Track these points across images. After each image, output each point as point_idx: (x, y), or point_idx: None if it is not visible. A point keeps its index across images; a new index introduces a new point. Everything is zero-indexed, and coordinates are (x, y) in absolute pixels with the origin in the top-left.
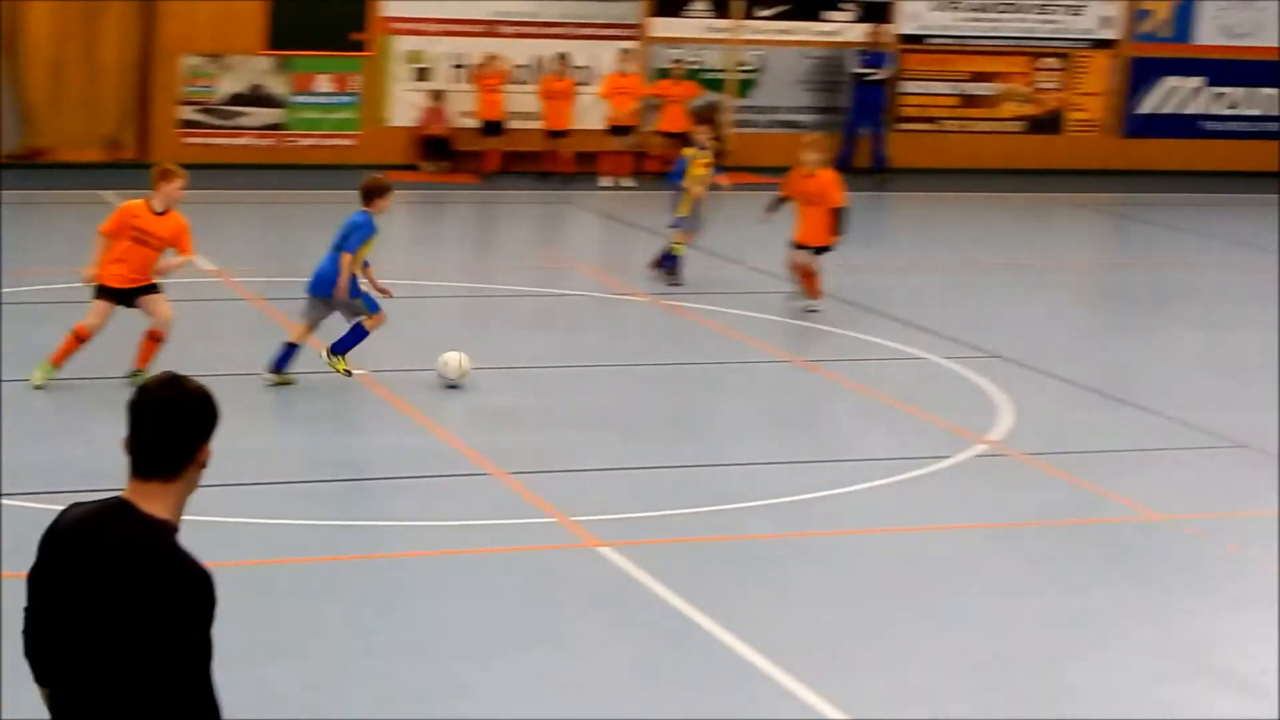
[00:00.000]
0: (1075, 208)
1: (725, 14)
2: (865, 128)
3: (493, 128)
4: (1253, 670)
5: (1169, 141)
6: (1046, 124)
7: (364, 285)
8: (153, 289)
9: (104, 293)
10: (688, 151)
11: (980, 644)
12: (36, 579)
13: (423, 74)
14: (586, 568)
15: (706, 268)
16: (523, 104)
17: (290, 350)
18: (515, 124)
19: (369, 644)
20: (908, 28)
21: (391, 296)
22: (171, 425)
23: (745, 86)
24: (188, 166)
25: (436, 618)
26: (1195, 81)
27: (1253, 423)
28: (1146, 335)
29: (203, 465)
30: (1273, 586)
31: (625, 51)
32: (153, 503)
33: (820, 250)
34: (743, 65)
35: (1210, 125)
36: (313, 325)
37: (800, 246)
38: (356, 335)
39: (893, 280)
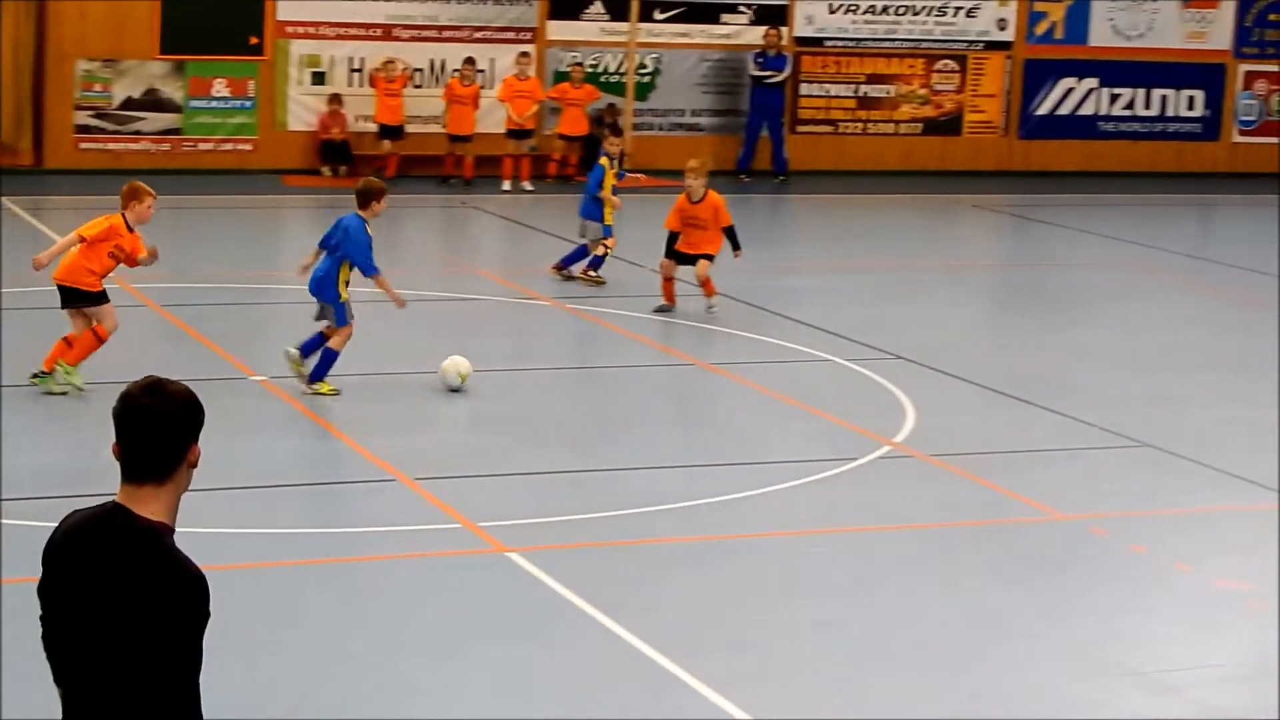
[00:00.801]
0: (973, 209)
1: (623, 17)
2: (764, 130)
3: (391, 131)
4: (1160, 668)
5: (1065, 142)
6: (944, 125)
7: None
8: (106, 298)
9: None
10: (603, 161)
11: (888, 645)
12: (43, 588)
13: (320, 78)
14: (494, 574)
15: (608, 271)
16: (422, 107)
17: (320, 340)
18: (415, 128)
19: (272, 652)
20: (805, 30)
21: (403, 306)
22: (158, 429)
23: (643, 89)
24: (83, 173)
25: (342, 625)
26: (1090, 83)
27: (1154, 420)
28: (1047, 335)
29: (193, 465)
30: (1177, 585)
31: (523, 55)
32: (146, 506)
33: (710, 257)
34: (641, 68)
35: (1105, 126)
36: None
37: (689, 258)
38: (326, 358)
39: (794, 282)
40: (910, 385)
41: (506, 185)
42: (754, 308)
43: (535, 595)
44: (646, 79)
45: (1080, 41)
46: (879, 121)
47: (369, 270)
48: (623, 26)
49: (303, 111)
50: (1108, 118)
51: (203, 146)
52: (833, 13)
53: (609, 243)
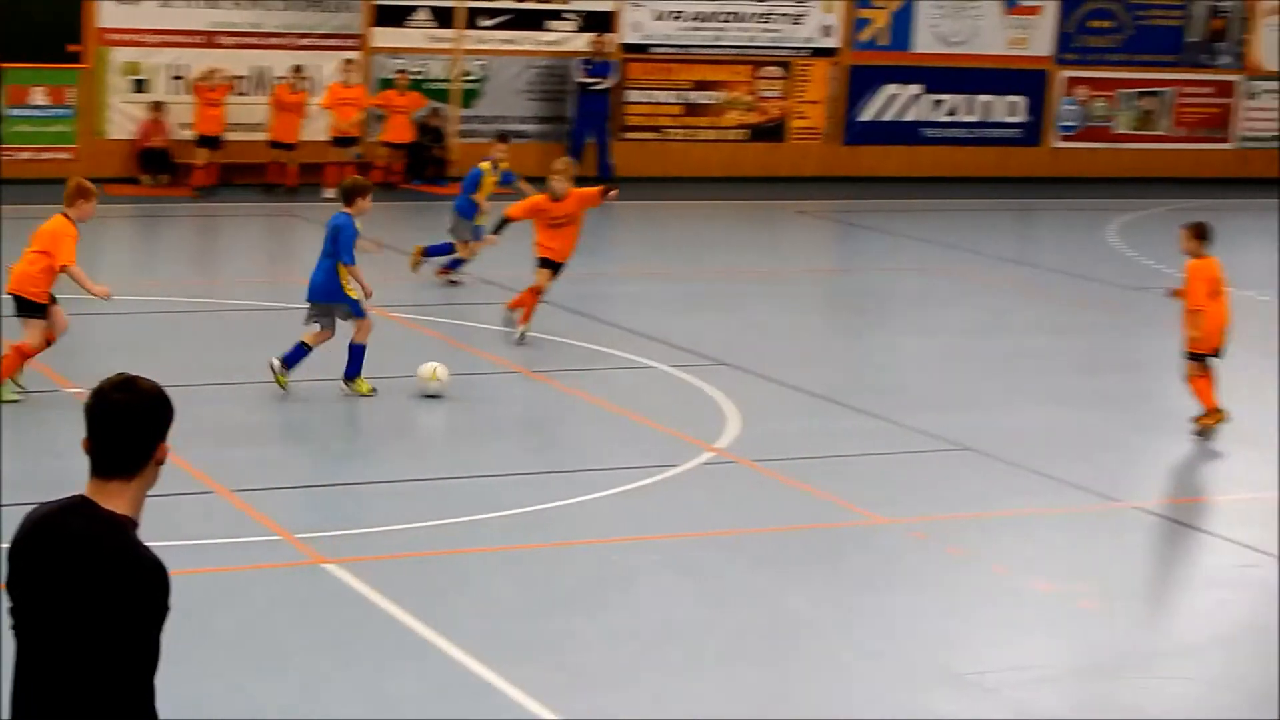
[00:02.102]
0: (798, 214)
1: (448, 24)
2: (590, 137)
3: (208, 141)
4: (977, 670)
5: (889, 148)
6: (769, 132)
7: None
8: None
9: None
10: (484, 166)
11: (709, 650)
12: (10, 582)
13: (141, 85)
14: (311, 585)
15: (430, 280)
16: (245, 115)
17: (302, 351)
18: (239, 135)
19: None
20: (631, 37)
21: (370, 295)
22: (129, 425)
23: (469, 96)
24: None
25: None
26: (914, 89)
27: (973, 424)
28: (870, 340)
29: (160, 462)
30: (995, 587)
31: (348, 62)
32: (114, 500)
33: (557, 268)
34: (466, 75)
35: (929, 132)
36: (325, 329)
37: (553, 264)
38: (356, 356)
39: (619, 289)
40: (734, 391)
41: (330, 193)
42: (579, 315)
43: (352, 606)
44: (472, 86)
45: (904, 48)
46: (705, 128)
47: (348, 261)
48: (448, 33)
49: (123, 120)
50: (931, 123)
51: (21, 155)
52: (659, 20)
53: (475, 247)
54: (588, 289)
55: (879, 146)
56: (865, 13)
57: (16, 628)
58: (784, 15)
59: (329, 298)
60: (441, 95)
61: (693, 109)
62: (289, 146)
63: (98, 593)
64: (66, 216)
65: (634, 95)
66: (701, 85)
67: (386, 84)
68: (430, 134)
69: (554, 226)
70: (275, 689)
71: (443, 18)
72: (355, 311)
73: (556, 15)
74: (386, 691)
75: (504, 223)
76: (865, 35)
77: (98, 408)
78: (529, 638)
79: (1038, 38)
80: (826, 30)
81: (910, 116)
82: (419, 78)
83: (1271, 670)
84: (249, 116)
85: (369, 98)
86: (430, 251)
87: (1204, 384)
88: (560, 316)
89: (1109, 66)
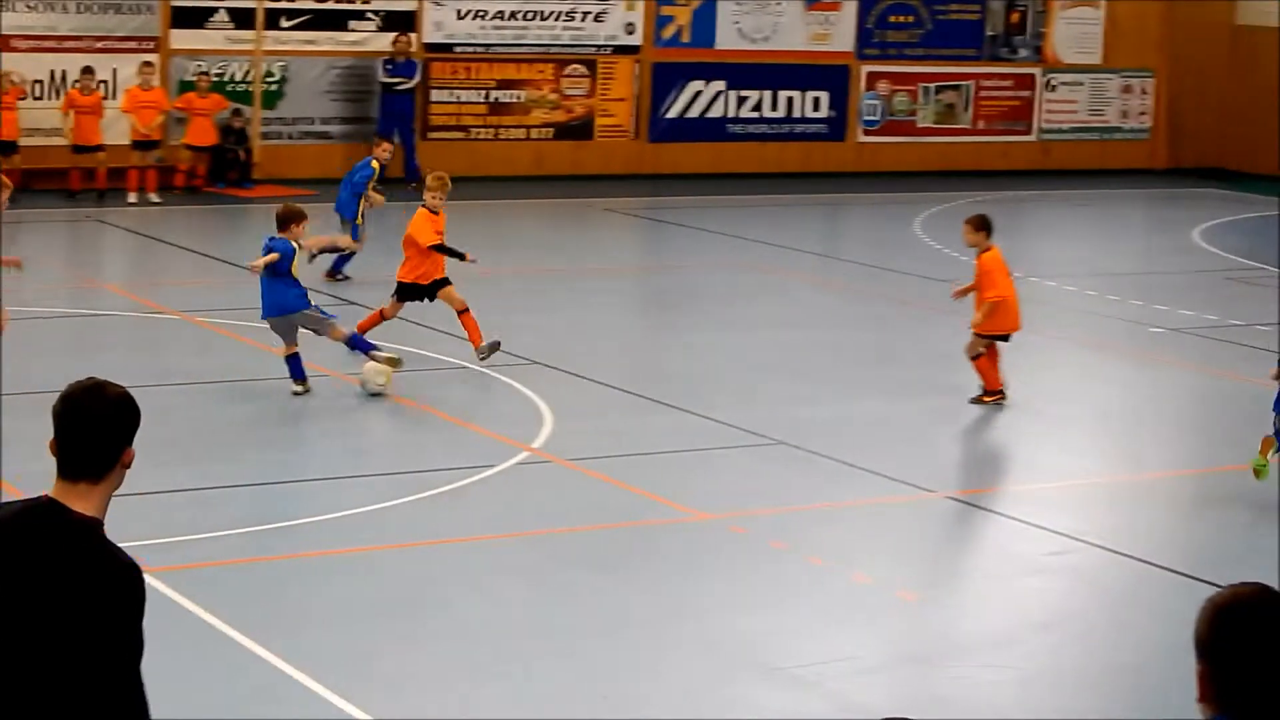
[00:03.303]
0: (605, 212)
1: (248, 25)
2: (395, 137)
3: (6, 146)
4: (798, 663)
5: (695, 145)
6: (575, 130)
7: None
8: None
9: None
10: (375, 165)
11: (530, 650)
12: None
13: None
14: None
15: (234, 284)
16: (43, 120)
17: (294, 360)
18: (37, 140)
19: None
20: (433, 36)
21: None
22: (97, 428)
23: (271, 98)
24: None
25: None
26: (718, 85)
27: (787, 418)
28: (681, 336)
29: (126, 465)
30: (814, 579)
31: (146, 65)
32: (81, 502)
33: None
34: (268, 76)
35: (734, 128)
36: (290, 343)
37: (420, 290)
38: (359, 343)
39: None
40: (547, 390)
41: (133, 198)
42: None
43: (164, 615)
44: (274, 87)
45: (707, 45)
46: (511, 127)
47: (280, 267)
48: (248, 35)
49: None
50: (736, 120)
51: None
52: (461, 19)
53: (355, 244)
54: None
55: (685, 143)
56: (667, 10)
57: None
58: (587, 13)
59: (282, 311)
60: (243, 97)
61: (498, 108)
62: (89, 149)
63: (74, 596)
64: None
65: (438, 95)
66: (506, 84)
67: (187, 86)
68: (233, 136)
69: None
70: None
71: (241, 19)
72: (321, 312)
73: (358, 15)
74: (199, 699)
75: (445, 251)
76: (668, 32)
77: (67, 411)
78: (344, 642)
79: (839, 33)
80: (629, 28)
81: (715, 113)
82: (220, 80)
83: (1087, 656)
84: (48, 121)
85: (169, 101)
86: (336, 266)
87: (989, 364)
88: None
89: (910, 61)
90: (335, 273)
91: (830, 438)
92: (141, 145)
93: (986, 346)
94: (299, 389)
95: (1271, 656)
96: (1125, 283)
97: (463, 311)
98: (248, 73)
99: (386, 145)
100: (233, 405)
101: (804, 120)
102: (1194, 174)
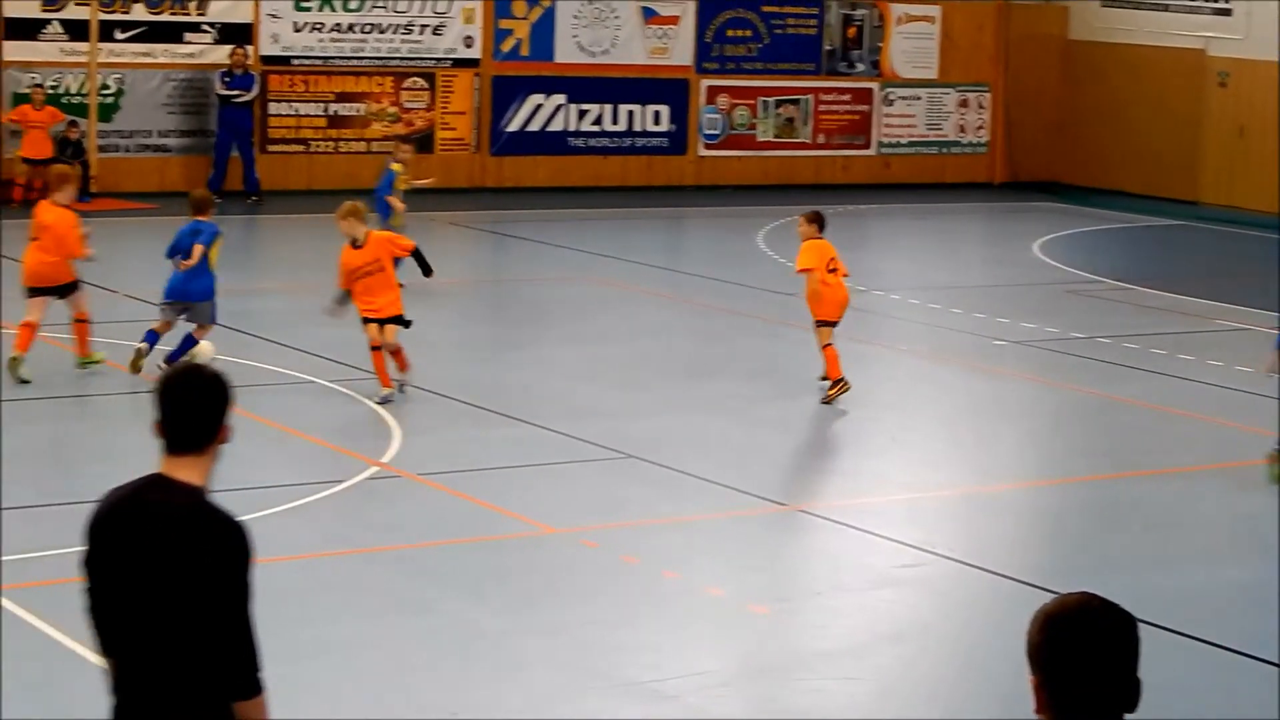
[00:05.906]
0: (449, 226)
1: (83, 37)
2: (234, 150)
3: None
4: (655, 678)
5: (537, 158)
6: (417, 143)
7: None
8: None
9: None
10: (395, 167)
11: (380, 667)
12: (89, 560)
13: None
14: None
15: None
16: None
17: (154, 338)
18: None
19: None
20: (271, 49)
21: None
22: (200, 404)
23: (107, 110)
24: None
25: None
26: (558, 99)
27: (634, 432)
28: (526, 350)
29: (224, 440)
30: (667, 593)
31: None
32: (186, 473)
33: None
34: (104, 89)
35: (575, 141)
36: (170, 324)
37: (378, 321)
38: (187, 346)
39: (271, 304)
40: (395, 405)
41: None
42: (232, 330)
43: (17, 635)
44: (110, 100)
45: (547, 58)
46: (351, 140)
47: (202, 241)
48: (83, 46)
49: None
50: (577, 133)
51: None
52: (298, 31)
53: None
54: (237, 305)
55: (527, 157)
56: (506, 23)
57: (97, 607)
58: (425, 26)
59: (190, 297)
60: (79, 109)
61: (337, 121)
62: None
63: (187, 553)
64: None
65: (276, 108)
66: (345, 97)
67: (21, 99)
68: (70, 149)
69: (365, 276)
70: None
71: (76, 31)
72: (211, 318)
73: (194, 28)
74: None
75: (344, 297)
76: (507, 46)
77: (170, 390)
78: None
79: (678, 47)
80: (468, 41)
81: (556, 126)
82: (55, 92)
83: (939, 667)
84: None
85: (3, 114)
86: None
87: (833, 353)
88: (214, 332)
89: (749, 75)
90: (425, 271)
91: (679, 451)
92: None
93: (829, 336)
94: (141, 348)
95: (1099, 663)
96: (968, 296)
97: (390, 350)
98: (83, 85)
99: (406, 148)
100: (57, 421)
101: (645, 134)
102: (1031, 188)
